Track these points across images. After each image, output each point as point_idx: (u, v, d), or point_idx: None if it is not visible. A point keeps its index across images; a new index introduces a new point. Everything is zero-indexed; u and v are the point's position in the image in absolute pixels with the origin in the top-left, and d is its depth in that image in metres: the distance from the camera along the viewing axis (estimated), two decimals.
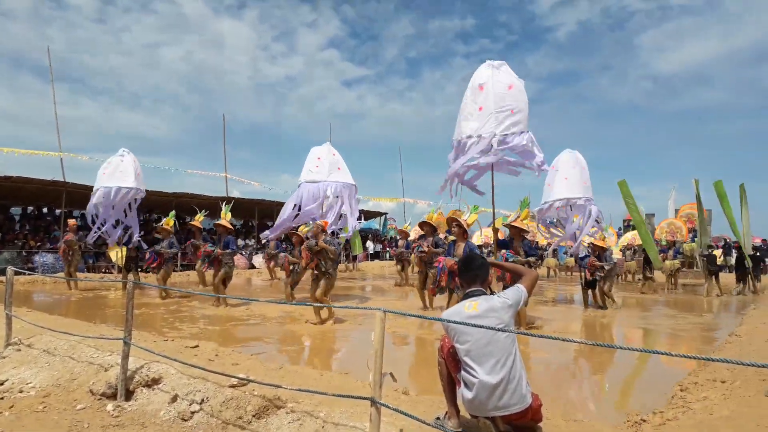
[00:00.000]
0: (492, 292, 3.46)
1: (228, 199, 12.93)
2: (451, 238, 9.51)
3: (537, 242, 19.54)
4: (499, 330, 3.00)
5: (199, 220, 11.73)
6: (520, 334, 3.17)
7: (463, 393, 3.11)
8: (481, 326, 3.00)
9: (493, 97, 7.76)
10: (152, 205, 22.04)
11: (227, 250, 10.41)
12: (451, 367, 3.23)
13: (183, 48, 77.38)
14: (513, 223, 8.91)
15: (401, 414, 3.13)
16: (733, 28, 78.96)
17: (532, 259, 8.79)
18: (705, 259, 14.94)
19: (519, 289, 3.32)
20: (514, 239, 8.85)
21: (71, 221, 14.11)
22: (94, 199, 13.14)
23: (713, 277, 15.62)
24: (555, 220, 13.00)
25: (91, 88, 72.37)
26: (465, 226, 7.56)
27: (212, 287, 10.51)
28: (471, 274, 3.44)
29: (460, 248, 7.36)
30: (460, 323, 3.07)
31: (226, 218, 10.88)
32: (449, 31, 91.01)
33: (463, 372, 3.11)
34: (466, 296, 3.36)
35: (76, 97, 68.04)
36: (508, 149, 7.80)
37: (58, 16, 67.19)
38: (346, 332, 8.07)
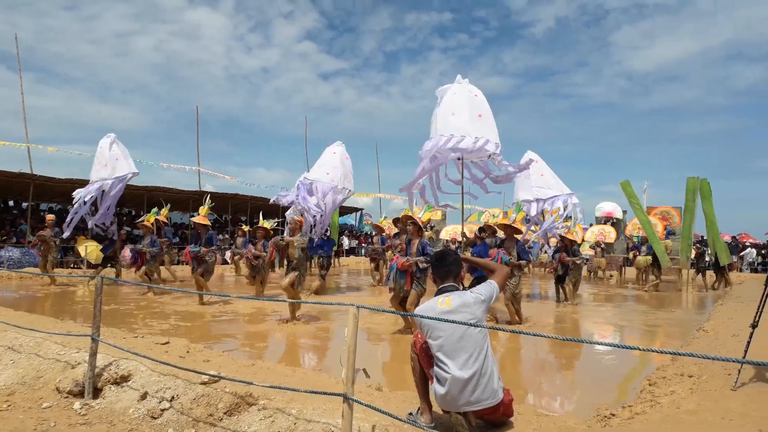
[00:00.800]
0: (464, 288, 3.47)
1: (204, 195, 12.75)
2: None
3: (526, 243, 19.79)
4: (471, 325, 3.02)
5: (164, 214, 11.59)
6: (492, 329, 3.19)
7: (436, 388, 3.12)
8: (454, 321, 3.01)
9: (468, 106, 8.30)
10: (123, 199, 21.62)
11: (212, 247, 10.28)
12: (424, 363, 3.24)
13: (156, 37, 75.93)
14: (511, 224, 8.96)
15: (374, 410, 3.12)
16: (705, 27, 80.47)
17: (523, 262, 8.84)
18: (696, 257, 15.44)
19: (491, 285, 3.36)
20: (507, 240, 8.92)
21: (49, 216, 13.61)
22: (92, 192, 12.89)
23: (700, 273, 15.99)
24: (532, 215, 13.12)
25: (60, 78, 70.70)
26: (420, 223, 7.58)
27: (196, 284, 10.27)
28: (444, 269, 3.46)
29: (415, 246, 7.36)
30: (433, 319, 3.08)
31: (203, 214, 10.68)
32: (427, 25, 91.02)
33: (435, 368, 3.12)
34: (440, 292, 3.38)
35: (43, 86, 66.39)
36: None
37: (27, 3, 65.47)
38: (320, 329, 8.03)
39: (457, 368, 3.01)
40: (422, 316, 3.14)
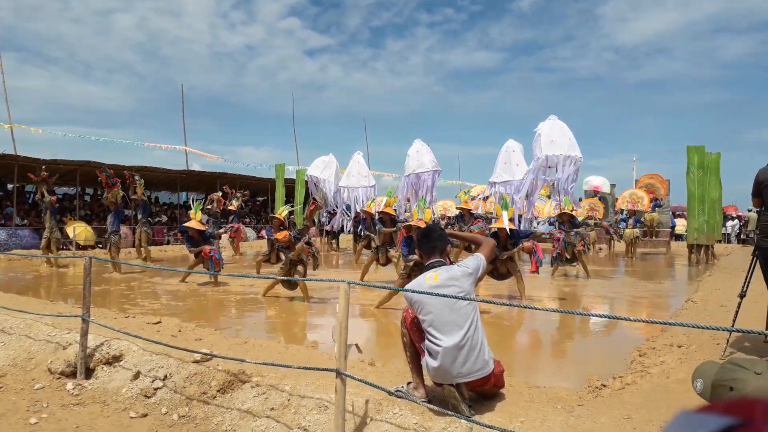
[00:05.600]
0: (452, 262, 3.48)
1: (185, 174, 12.65)
2: None
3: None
4: (459, 298, 3.03)
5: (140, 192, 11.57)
6: (481, 302, 3.20)
7: (428, 361, 3.14)
8: (444, 295, 3.02)
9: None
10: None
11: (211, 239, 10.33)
12: (415, 338, 3.25)
13: (137, 15, 74.54)
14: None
15: (367, 384, 3.14)
16: (690, 0, 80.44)
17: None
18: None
19: (478, 257, 3.40)
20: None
21: (52, 197, 13.22)
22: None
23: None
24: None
25: (41, 57, 69.41)
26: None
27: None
28: (430, 245, 3.48)
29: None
30: (423, 293, 3.09)
31: (196, 218, 10.45)
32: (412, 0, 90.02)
33: (427, 341, 3.14)
34: (427, 267, 3.40)
35: (25, 66, 65.12)
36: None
37: None
38: (312, 305, 8.05)
39: (448, 341, 3.03)
40: (412, 291, 3.14)
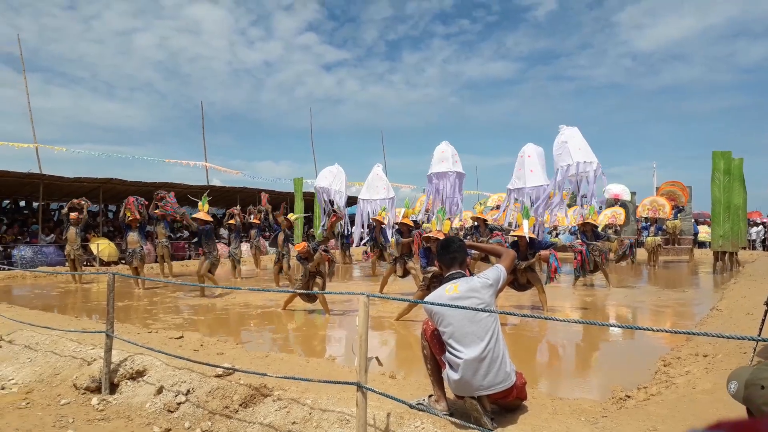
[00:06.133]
0: (471, 274, 3.48)
1: (206, 189, 12.81)
2: None
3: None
4: (480, 310, 3.02)
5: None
6: (501, 313, 3.19)
7: (449, 374, 3.12)
8: (464, 307, 3.01)
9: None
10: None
11: (208, 241, 10.41)
12: (435, 350, 3.24)
13: (157, 34, 76.00)
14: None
15: (388, 398, 3.13)
16: (708, 4, 79.66)
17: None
18: None
19: (498, 269, 3.38)
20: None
21: (72, 215, 13.34)
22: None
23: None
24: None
25: (65, 78, 71.04)
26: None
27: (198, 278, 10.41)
28: (449, 257, 3.46)
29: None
30: (443, 305, 3.09)
31: (204, 210, 10.69)
32: (428, 12, 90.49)
33: (448, 354, 3.13)
34: (447, 279, 3.39)
35: (49, 87, 66.73)
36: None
37: (27, 4, 65.51)
38: (332, 318, 8.06)
39: (470, 353, 3.01)
40: (432, 303, 3.14)
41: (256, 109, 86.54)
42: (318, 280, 8.19)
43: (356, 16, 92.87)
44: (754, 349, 4.22)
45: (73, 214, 12.75)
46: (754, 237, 26.41)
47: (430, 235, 7.73)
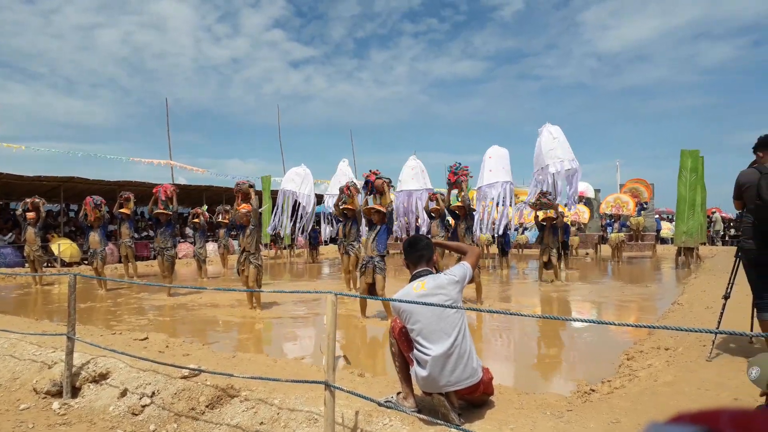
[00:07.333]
0: (437, 271, 3.49)
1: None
2: None
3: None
4: (447, 307, 3.04)
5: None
6: (469, 310, 3.21)
7: (417, 371, 3.14)
8: (431, 304, 3.03)
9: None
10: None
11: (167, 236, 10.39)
12: (403, 347, 3.25)
13: (121, 29, 74.20)
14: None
15: (356, 396, 3.13)
16: (671, 6, 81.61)
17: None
18: None
19: (464, 266, 3.40)
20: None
21: (29, 215, 12.72)
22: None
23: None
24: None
25: (23, 74, 68.84)
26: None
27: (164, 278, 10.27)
28: (416, 254, 3.48)
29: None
30: (410, 302, 3.09)
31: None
32: (396, 10, 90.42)
33: (415, 351, 3.14)
34: (414, 277, 3.40)
35: (6, 82, 64.66)
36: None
37: None
38: (300, 317, 8.02)
39: (437, 349, 3.03)
40: (400, 301, 3.15)
41: (223, 106, 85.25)
42: (252, 260, 8.40)
43: (324, 14, 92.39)
44: (713, 342, 4.34)
45: (30, 214, 12.38)
46: (718, 228, 27.23)
47: (372, 207, 7.67)
